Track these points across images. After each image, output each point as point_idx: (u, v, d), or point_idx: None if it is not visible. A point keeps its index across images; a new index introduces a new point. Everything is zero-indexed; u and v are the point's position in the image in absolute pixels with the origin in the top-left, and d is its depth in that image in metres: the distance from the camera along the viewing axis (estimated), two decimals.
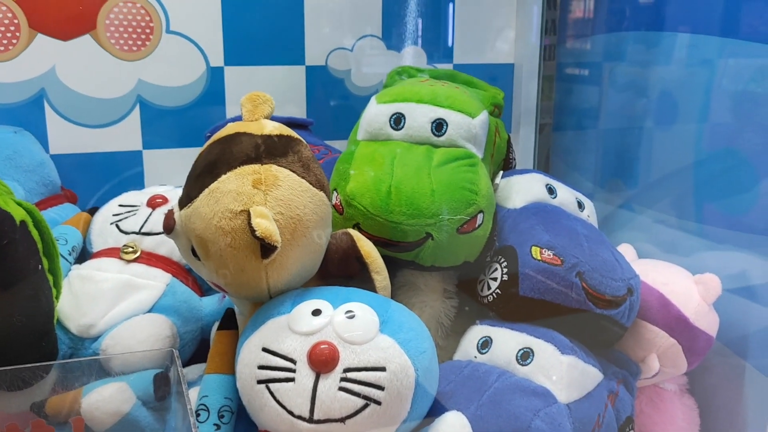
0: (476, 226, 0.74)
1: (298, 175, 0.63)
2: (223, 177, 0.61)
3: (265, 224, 0.58)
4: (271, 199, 0.61)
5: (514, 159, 0.97)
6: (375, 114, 0.79)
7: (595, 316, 0.75)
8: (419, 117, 0.77)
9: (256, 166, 0.62)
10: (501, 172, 0.89)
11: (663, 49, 0.99)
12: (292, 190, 0.62)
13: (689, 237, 0.96)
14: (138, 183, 1.05)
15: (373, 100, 0.81)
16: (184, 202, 0.64)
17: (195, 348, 0.80)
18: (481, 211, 0.74)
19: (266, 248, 0.59)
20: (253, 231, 0.58)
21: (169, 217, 0.65)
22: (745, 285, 0.86)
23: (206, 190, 0.61)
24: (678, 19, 0.97)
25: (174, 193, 0.86)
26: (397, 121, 0.78)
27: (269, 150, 0.63)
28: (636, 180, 1.07)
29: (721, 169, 0.92)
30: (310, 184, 0.64)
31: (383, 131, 0.78)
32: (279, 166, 0.62)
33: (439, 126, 0.77)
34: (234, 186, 0.60)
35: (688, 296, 0.82)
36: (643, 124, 1.05)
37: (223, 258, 0.61)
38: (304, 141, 0.67)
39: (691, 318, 0.81)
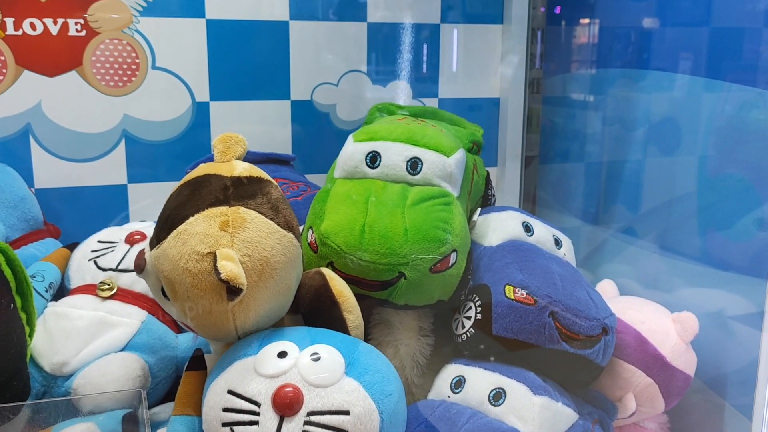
0: (449, 265, 0.74)
1: (267, 216, 0.63)
2: (191, 219, 0.62)
3: (230, 267, 0.59)
4: (237, 241, 0.61)
5: (494, 195, 0.97)
6: (351, 152, 0.80)
7: (570, 356, 0.75)
8: (394, 156, 0.78)
9: (224, 208, 0.62)
10: (479, 209, 0.89)
11: (648, 86, 1.00)
12: (260, 232, 0.62)
13: (671, 273, 0.96)
14: (123, 217, 1.06)
15: (350, 138, 0.82)
16: (153, 243, 0.64)
17: (170, 385, 0.80)
18: (454, 250, 0.74)
19: (232, 290, 0.59)
20: (218, 273, 0.58)
21: (139, 257, 0.66)
22: (725, 322, 0.86)
23: (174, 232, 0.62)
24: (662, 59, 0.98)
25: (152, 230, 0.86)
26: (373, 159, 0.78)
27: (238, 192, 0.63)
28: (621, 214, 1.07)
29: (704, 205, 0.92)
30: (279, 225, 0.64)
31: (359, 169, 0.79)
32: (247, 208, 0.63)
33: (414, 165, 0.77)
34: (201, 228, 0.61)
35: (665, 335, 0.82)
36: (629, 157, 1.06)
37: (191, 299, 0.61)
38: (274, 182, 0.68)
39: (668, 357, 0.80)
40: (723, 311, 0.86)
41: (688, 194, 0.94)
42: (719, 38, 0.88)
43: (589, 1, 1.13)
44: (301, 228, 0.80)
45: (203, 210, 0.62)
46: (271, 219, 0.64)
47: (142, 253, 0.66)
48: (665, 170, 0.98)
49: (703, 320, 0.84)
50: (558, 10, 1.21)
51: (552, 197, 1.25)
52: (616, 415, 0.80)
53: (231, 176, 0.65)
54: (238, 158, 0.68)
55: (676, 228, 0.96)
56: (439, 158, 0.78)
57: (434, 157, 0.78)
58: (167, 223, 0.63)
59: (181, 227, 0.62)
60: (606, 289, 0.96)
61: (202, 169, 0.66)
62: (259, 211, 0.63)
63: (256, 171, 0.67)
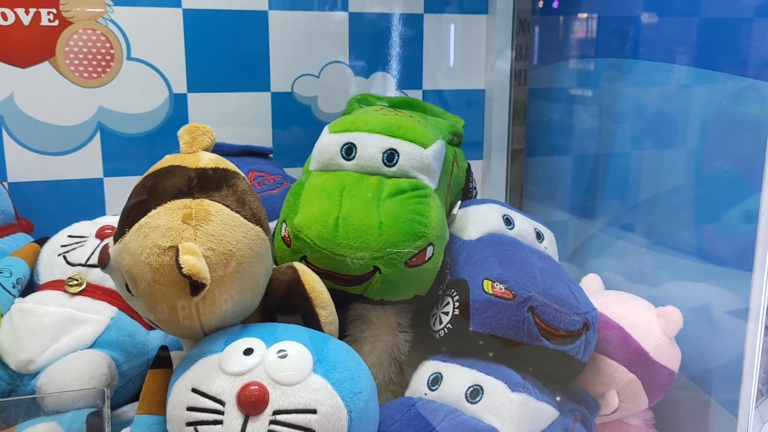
0: (425, 259, 0.72)
1: (232, 209, 0.61)
2: (153, 212, 0.60)
3: (192, 261, 0.57)
4: (201, 234, 0.59)
5: (475, 188, 0.95)
6: (326, 144, 0.78)
7: (550, 352, 0.73)
8: (370, 147, 0.76)
9: (187, 201, 0.60)
10: (459, 202, 0.87)
11: (636, 76, 0.98)
12: (225, 225, 0.60)
13: (658, 266, 0.94)
14: (99, 211, 1.04)
15: (325, 129, 0.80)
16: (116, 236, 0.62)
17: (140, 383, 0.77)
18: (430, 244, 0.72)
19: (195, 285, 0.57)
20: (180, 268, 0.56)
21: (104, 252, 0.64)
22: (710, 317, 0.84)
23: (136, 225, 0.60)
24: (650, 48, 0.96)
25: None
26: (349, 151, 0.76)
27: (202, 184, 0.61)
28: (609, 207, 1.06)
29: (691, 198, 0.90)
30: (245, 218, 0.62)
31: (334, 161, 0.77)
32: (212, 200, 0.61)
33: (390, 156, 0.75)
34: (163, 221, 0.59)
35: (648, 330, 0.80)
36: (616, 150, 1.04)
37: (153, 295, 0.59)
38: (241, 174, 0.66)
39: (651, 353, 0.79)
40: (709, 305, 0.85)
41: (676, 187, 0.93)
42: (709, 28, 0.86)
43: None
44: (275, 222, 0.79)
45: (166, 202, 0.60)
46: (236, 212, 0.62)
47: (106, 247, 0.64)
48: (653, 163, 0.96)
49: (689, 315, 0.82)
50: (540, 3, 1.19)
51: (539, 191, 1.23)
52: (598, 412, 0.78)
53: (196, 168, 0.63)
54: (206, 149, 0.66)
55: (664, 221, 0.95)
56: (416, 150, 0.76)
57: (411, 149, 0.76)
58: (129, 217, 0.61)
59: (143, 220, 0.60)
60: (591, 283, 0.95)
61: (167, 160, 0.64)
62: (224, 204, 0.61)
63: (222, 162, 0.65)
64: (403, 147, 0.76)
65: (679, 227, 0.91)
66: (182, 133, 0.66)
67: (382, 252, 0.70)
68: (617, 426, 0.85)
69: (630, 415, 0.85)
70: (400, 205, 0.72)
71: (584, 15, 1.10)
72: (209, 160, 0.64)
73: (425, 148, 0.77)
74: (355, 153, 0.76)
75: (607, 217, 1.06)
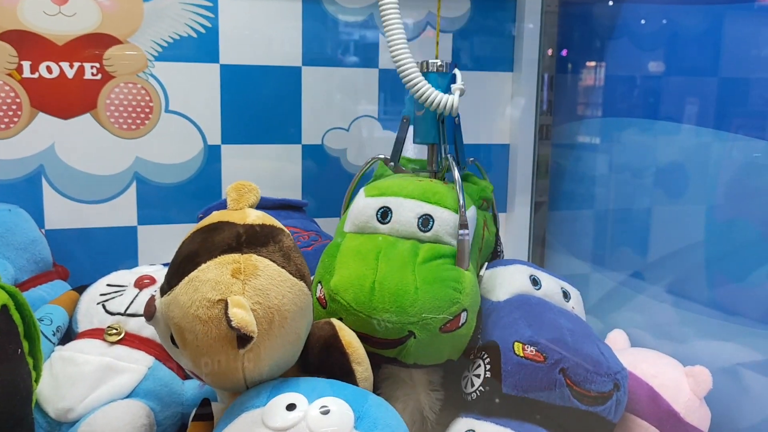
0: (459, 324, 0.73)
1: (278, 264, 0.63)
2: (203, 266, 0.61)
3: (241, 314, 0.58)
4: (249, 288, 0.61)
5: (502, 252, 0.97)
6: (363, 207, 0.79)
7: (581, 412, 0.74)
8: (406, 212, 0.77)
9: (236, 256, 0.62)
10: (486, 264, 0.89)
11: (657, 135, 1.00)
12: (271, 280, 0.62)
13: (683, 323, 0.95)
14: (132, 258, 1.06)
15: (361, 192, 0.82)
16: (164, 289, 0.64)
17: None
18: (464, 310, 0.73)
19: (242, 339, 0.59)
20: (229, 321, 0.58)
21: (149, 304, 0.65)
22: (739, 376, 0.85)
23: (186, 279, 0.61)
24: (671, 109, 0.98)
25: (162, 274, 0.86)
26: (384, 214, 0.78)
27: (250, 239, 0.63)
28: (633, 260, 1.07)
29: (714, 254, 0.91)
30: (290, 273, 0.64)
31: (370, 224, 0.78)
32: (259, 255, 0.63)
33: (425, 221, 0.77)
34: (213, 275, 0.61)
35: (678, 389, 0.80)
36: (638, 205, 1.06)
37: (200, 347, 0.61)
38: (286, 230, 0.68)
39: (682, 412, 0.79)
40: (736, 364, 0.85)
41: (699, 243, 0.94)
42: (727, 88, 0.89)
43: (599, 50, 1.14)
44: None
45: (215, 257, 0.62)
46: (282, 267, 0.63)
47: (152, 299, 0.65)
48: (677, 219, 0.98)
49: (717, 374, 0.83)
50: (565, 53, 1.22)
51: (561, 243, 1.24)
52: None
53: (244, 224, 0.65)
54: (251, 206, 0.68)
55: (688, 278, 0.96)
56: (451, 216, 0.77)
57: (446, 215, 0.77)
58: (179, 270, 0.63)
59: (192, 274, 0.61)
60: (617, 340, 0.95)
61: (215, 216, 0.66)
62: (271, 259, 0.63)
63: (268, 219, 0.67)
64: (438, 213, 0.77)
65: (705, 284, 0.92)
66: (230, 190, 0.68)
67: (418, 317, 0.71)
68: None
69: None
70: (436, 271, 0.74)
71: (605, 74, 1.13)
72: (256, 217, 0.66)
73: (459, 214, 0.78)
74: (391, 217, 0.78)
75: (629, 270, 1.07)
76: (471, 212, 0.80)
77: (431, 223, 0.77)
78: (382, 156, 0.90)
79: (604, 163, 1.14)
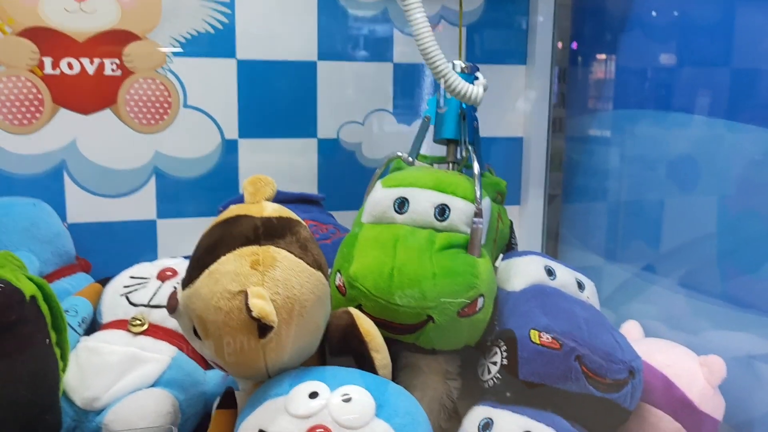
0: (477, 309, 0.74)
1: (296, 255, 0.65)
2: (223, 258, 0.63)
3: (261, 304, 0.60)
4: (268, 279, 0.62)
5: (516, 244, 0.98)
6: (380, 198, 0.81)
7: (597, 400, 0.75)
8: (423, 202, 0.78)
9: (254, 248, 0.63)
10: (501, 255, 0.90)
11: (670, 127, 1.01)
12: (290, 271, 0.64)
13: (696, 313, 0.96)
14: (151, 251, 1.08)
15: (378, 183, 0.83)
16: (185, 282, 0.65)
17: (198, 422, 0.80)
18: (481, 295, 0.75)
19: (263, 328, 0.60)
20: (249, 311, 0.59)
21: (172, 298, 0.67)
22: (752, 365, 0.86)
23: (206, 271, 0.63)
24: (684, 100, 0.99)
25: (184, 266, 0.87)
26: (401, 205, 0.79)
27: (268, 232, 0.65)
28: (646, 253, 1.08)
29: (727, 245, 0.92)
30: (308, 264, 0.65)
31: (387, 215, 0.79)
32: (277, 247, 0.64)
33: (441, 211, 0.78)
34: (232, 267, 0.62)
35: (692, 379, 0.81)
36: (652, 197, 1.06)
37: (222, 338, 0.62)
38: (303, 222, 0.69)
39: (696, 401, 0.80)
40: (750, 353, 0.86)
41: (713, 235, 0.94)
42: (740, 79, 0.89)
43: (612, 42, 1.14)
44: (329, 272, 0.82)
45: (234, 249, 0.63)
46: (300, 258, 0.65)
47: (174, 293, 0.67)
48: (689, 211, 0.98)
49: (730, 363, 0.83)
50: (576, 45, 1.22)
51: (575, 236, 1.25)
52: None
53: (261, 216, 0.66)
54: (268, 199, 0.70)
55: (701, 269, 0.96)
56: (467, 206, 0.79)
57: (461, 205, 0.78)
58: (199, 263, 0.64)
59: (213, 267, 0.63)
60: (631, 330, 0.96)
61: (233, 210, 0.68)
62: (288, 250, 0.65)
63: (285, 212, 0.68)
64: (454, 203, 0.78)
65: (717, 275, 0.93)
66: (247, 184, 0.69)
67: (436, 302, 0.73)
68: None
69: None
70: (453, 258, 0.75)
71: (618, 65, 1.13)
72: (273, 210, 0.68)
73: (475, 204, 0.79)
74: (408, 207, 0.79)
75: (643, 262, 1.08)
76: (486, 203, 0.81)
77: (447, 212, 0.78)
78: (400, 153, 0.92)
79: (617, 155, 1.14)
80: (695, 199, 0.97)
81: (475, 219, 0.77)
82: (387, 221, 0.79)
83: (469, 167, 0.87)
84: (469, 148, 0.89)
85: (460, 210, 0.78)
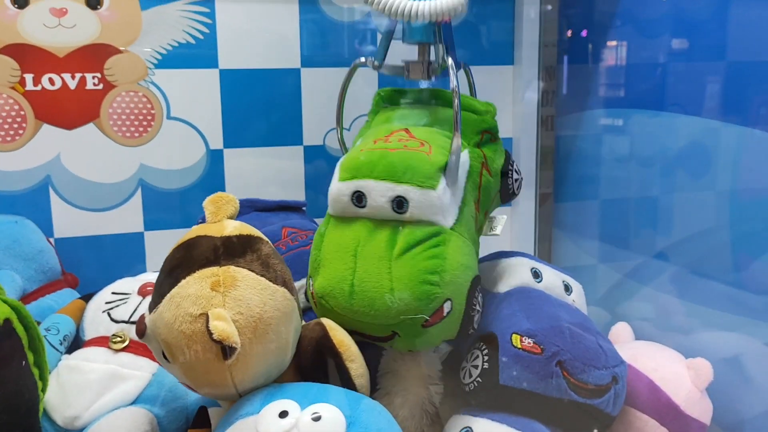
0: (443, 315, 0.73)
1: (257, 273, 0.64)
2: (183, 282, 0.63)
3: (222, 326, 0.59)
4: (229, 300, 0.62)
5: (519, 179, 0.92)
6: (338, 192, 0.78)
7: (579, 406, 0.74)
8: (378, 196, 0.75)
9: (214, 269, 0.63)
10: (497, 217, 0.88)
11: (660, 126, 0.99)
12: (251, 289, 0.63)
13: (688, 315, 0.94)
14: (140, 263, 1.08)
15: (336, 172, 0.80)
16: (151, 307, 0.65)
17: None
18: (447, 300, 0.73)
19: (226, 350, 0.60)
20: (211, 334, 0.59)
21: (140, 322, 0.66)
22: (742, 367, 0.84)
23: (168, 296, 0.63)
24: (674, 101, 0.97)
25: None
26: (359, 199, 0.76)
27: (228, 251, 0.64)
28: (637, 252, 1.06)
29: (720, 248, 0.90)
30: (270, 281, 0.65)
31: (348, 210, 0.77)
32: (237, 266, 0.64)
33: (399, 204, 0.75)
34: (193, 290, 0.62)
35: (678, 382, 0.80)
36: (644, 195, 1.05)
37: (188, 361, 0.62)
38: (264, 239, 0.69)
39: (682, 405, 0.79)
40: (740, 356, 0.85)
41: (704, 236, 0.93)
42: (733, 77, 0.87)
43: (602, 39, 1.13)
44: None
45: (195, 272, 0.63)
46: (261, 275, 0.64)
47: (142, 317, 0.67)
48: (682, 210, 0.97)
49: (720, 365, 0.82)
50: (565, 43, 1.21)
51: (567, 235, 1.24)
52: None
53: (221, 236, 0.66)
54: (230, 217, 0.69)
55: (693, 270, 0.95)
56: (425, 195, 0.74)
57: (418, 195, 0.74)
58: (162, 287, 0.64)
59: (174, 291, 0.63)
60: (620, 332, 0.95)
61: (194, 231, 0.67)
62: (249, 269, 0.64)
63: (246, 229, 0.68)
64: (411, 194, 0.74)
65: (709, 276, 0.92)
66: (207, 203, 0.69)
67: (396, 319, 0.72)
68: None
69: None
70: (412, 266, 0.72)
71: (609, 63, 1.12)
72: (233, 228, 0.67)
73: (434, 189, 0.75)
74: (366, 201, 0.76)
75: (635, 261, 1.07)
76: (463, 158, 0.77)
77: (405, 205, 0.74)
78: (364, 59, 0.87)
79: (608, 154, 1.13)
80: (688, 197, 0.96)
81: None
82: (350, 215, 0.77)
83: (445, 68, 0.82)
84: (448, 59, 0.81)
85: (419, 201, 0.74)
